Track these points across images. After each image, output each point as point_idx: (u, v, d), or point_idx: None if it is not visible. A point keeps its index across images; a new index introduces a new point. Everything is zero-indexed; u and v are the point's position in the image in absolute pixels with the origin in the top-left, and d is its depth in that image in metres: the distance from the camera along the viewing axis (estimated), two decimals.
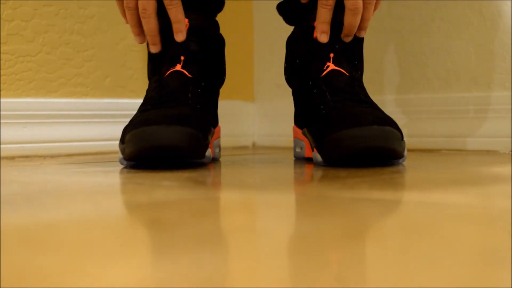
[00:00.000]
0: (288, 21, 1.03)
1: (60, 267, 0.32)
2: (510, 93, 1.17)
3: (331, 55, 0.93)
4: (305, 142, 0.96)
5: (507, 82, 1.18)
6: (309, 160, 0.95)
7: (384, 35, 1.32)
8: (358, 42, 0.95)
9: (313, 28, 0.93)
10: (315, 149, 0.88)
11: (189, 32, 0.92)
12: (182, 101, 0.88)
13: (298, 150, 1.00)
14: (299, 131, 0.98)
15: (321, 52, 0.93)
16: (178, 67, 0.92)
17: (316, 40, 0.93)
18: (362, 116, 0.83)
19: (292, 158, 1.03)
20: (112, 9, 1.23)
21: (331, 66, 0.92)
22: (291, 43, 0.98)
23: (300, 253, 0.36)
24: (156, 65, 0.93)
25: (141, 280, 0.30)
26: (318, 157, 0.87)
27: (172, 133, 0.79)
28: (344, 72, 0.92)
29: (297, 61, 0.96)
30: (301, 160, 0.99)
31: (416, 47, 1.29)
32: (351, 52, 0.94)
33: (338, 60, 0.93)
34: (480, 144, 1.20)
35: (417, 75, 1.28)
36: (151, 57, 0.94)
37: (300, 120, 0.99)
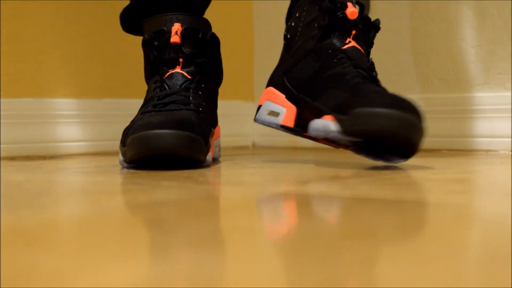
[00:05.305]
0: None
1: (60, 267, 0.32)
2: (510, 93, 1.17)
3: (353, 32, 0.90)
4: (287, 108, 0.90)
5: (507, 82, 1.18)
6: (285, 129, 0.90)
7: (384, 35, 1.32)
8: (375, 31, 0.93)
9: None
10: (326, 116, 0.82)
11: (184, 35, 0.92)
12: (184, 104, 0.88)
13: (269, 114, 0.92)
14: (281, 95, 0.92)
15: (345, 25, 0.90)
16: (178, 68, 0.92)
17: (341, 13, 0.90)
18: (404, 102, 0.79)
19: (292, 158, 1.03)
20: (112, 9, 1.23)
21: (353, 42, 0.90)
22: (311, 4, 0.92)
23: (299, 253, 0.36)
24: (154, 67, 0.93)
25: (140, 280, 0.30)
26: (331, 125, 0.80)
27: (174, 139, 0.79)
28: (364, 53, 0.90)
29: (316, 24, 0.91)
30: (267, 125, 0.92)
31: (416, 47, 1.29)
32: (368, 38, 0.92)
33: (358, 39, 0.91)
34: (480, 144, 1.20)
35: (417, 75, 1.28)
36: (148, 59, 0.94)
37: (295, 84, 0.92)
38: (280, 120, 0.90)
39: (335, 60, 0.88)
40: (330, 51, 0.90)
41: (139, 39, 0.96)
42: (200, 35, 0.93)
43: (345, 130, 0.79)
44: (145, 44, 0.94)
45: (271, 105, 0.93)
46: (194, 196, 0.59)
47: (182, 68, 0.92)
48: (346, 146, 0.84)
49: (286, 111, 0.90)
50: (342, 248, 0.37)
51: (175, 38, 0.92)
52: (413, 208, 0.52)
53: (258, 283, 0.29)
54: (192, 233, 0.41)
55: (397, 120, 0.76)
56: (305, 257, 0.34)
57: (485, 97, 1.20)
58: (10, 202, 0.57)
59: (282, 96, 0.92)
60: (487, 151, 1.18)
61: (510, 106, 1.16)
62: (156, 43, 0.93)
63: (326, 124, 0.81)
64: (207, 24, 0.96)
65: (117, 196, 0.64)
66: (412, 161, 0.94)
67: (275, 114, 0.91)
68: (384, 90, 0.84)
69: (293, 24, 0.94)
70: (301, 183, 0.77)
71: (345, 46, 0.90)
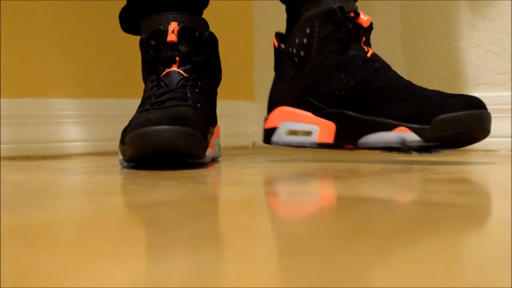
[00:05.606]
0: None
1: (60, 267, 0.32)
2: (510, 93, 1.17)
3: (363, 38, 0.94)
4: (320, 126, 0.91)
5: (507, 82, 1.18)
6: (322, 146, 0.91)
7: (384, 35, 1.32)
8: (370, 32, 0.96)
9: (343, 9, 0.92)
10: (400, 128, 0.85)
11: (180, 34, 0.92)
12: (181, 100, 0.88)
13: (290, 134, 0.92)
14: (307, 113, 0.92)
15: (359, 33, 0.93)
16: (174, 67, 0.92)
17: (355, 23, 0.93)
18: (474, 98, 0.86)
19: (292, 158, 1.03)
20: (112, 9, 1.24)
21: (370, 50, 0.93)
22: (324, 19, 0.93)
23: (299, 253, 0.36)
24: (151, 66, 0.93)
25: (140, 280, 0.30)
26: (409, 136, 0.84)
27: (173, 134, 0.79)
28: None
29: (333, 38, 0.92)
30: (303, 147, 0.93)
31: (416, 47, 1.29)
32: (369, 39, 0.95)
33: (366, 44, 0.94)
34: (480, 144, 1.20)
35: (417, 75, 1.28)
36: (145, 59, 0.94)
37: (325, 100, 0.91)
38: (315, 138, 0.91)
39: (373, 71, 0.90)
40: (360, 62, 0.91)
41: (138, 39, 0.96)
42: (197, 34, 0.93)
43: (428, 138, 0.84)
44: (142, 44, 0.94)
45: (293, 125, 0.93)
46: (194, 196, 0.59)
47: (178, 67, 0.92)
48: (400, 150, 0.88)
49: (320, 129, 0.90)
50: (342, 248, 0.37)
51: (171, 37, 0.92)
52: (413, 208, 0.52)
53: (258, 283, 0.29)
54: (192, 233, 0.41)
55: (479, 119, 0.84)
56: (305, 257, 0.34)
57: (485, 97, 1.20)
58: (10, 202, 0.57)
59: (309, 114, 0.92)
60: (487, 151, 1.18)
61: (510, 106, 1.16)
62: (153, 42, 0.93)
63: (402, 136, 0.85)
64: (204, 24, 0.96)
65: (117, 196, 0.64)
66: (412, 161, 0.94)
67: (305, 133, 0.91)
68: (443, 92, 0.89)
69: (304, 41, 0.93)
70: (301, 183, 0.77)
71: (369, 55, 0.92)
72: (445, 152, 0.88)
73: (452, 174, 0.80)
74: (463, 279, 0.30)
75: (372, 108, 0.87)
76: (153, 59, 0.93)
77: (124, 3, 1.01)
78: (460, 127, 0.84)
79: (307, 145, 0.92)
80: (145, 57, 0.94)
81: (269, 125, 0.95)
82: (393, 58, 1.31)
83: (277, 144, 0.94)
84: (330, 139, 0.90)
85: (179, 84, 0.91)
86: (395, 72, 0.92)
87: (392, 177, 0.75)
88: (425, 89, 0.89)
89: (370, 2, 1.33)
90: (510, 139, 1.16)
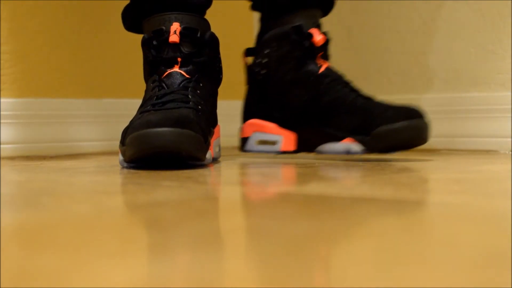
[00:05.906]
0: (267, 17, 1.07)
1: (60, 267, 0.32)
2: (510, 93, 1.17)
3: (320, 54, 1.01)
4: (284, 136, 1.01)
5: (507, 82, 1.18)
6: (285, 153, 1.02)
7: (384, 35, 1.32)
8: (328, 44, 1.04)
9: (302, 28, 1.00)
10: (345, 140, 0.95)
11: (182, 34, 0.92)
12: (183, 102, 0.88)
13: (259, 143, 1.04)
14: (272, 125, 1.03)
15: (314, 51, 1.01)
16: (176, 68, 0.92)
17: (309, 42, 1.00)
18: (411, 109, 0.93)
19: (292, 158, 1.03)
20: (113, 9, 1.24)
21: (324, 63, 1.01)
22: (280, 40, 1.02)
23: (299, 253, 0.36)
24: (153, 66, 0.93)
25: (140, 280, 0.30)
26: (353, 146, 0.94)
27: (173, 136, 0.79)
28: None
29: (290, 57, 1.01)
30: (277, 154, 1.04)
31: (416, 47, 1.29)
32: (327, 51, 1.03)
33: (323, 58, 1.02)
34: (480, 144, 1.20)
35: (417, 75, 1.28)
36: (147, 59, 0.94)
37: (286, 114, 1.02)
38: (279, 147, 1.03)
39: (323, 86, 0.99)
40: (312, 78, 1.00)
41: (139, 39, 0.96)
42: (198, 35, 0.93)
43: (368, 148, 0.94)
44: (144, 44, 0.94)
45: (262, 136, 1.04)
46: (194, 196, 0.59)
47: (180, 68, 0.92)
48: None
49: (284, 138, 1.02)
50: (342, 248, 0.37)
51: (173, 38, 0.92)
52: (413, 208, 0.52)
53: (258, 283, 0.29)
54: (192, 233, 0.41)
55: (415, 129, 0.92)
56: (305, 257, 0.34)
57: (485, 97, 1.20)
58: (10, 202, 0.57)
59: (273, 125, 1.03)
60: (487, 151, 1.18)
61: (510, 106, 1.17)
62: (155, 42, 0.93)
63: (348, 146, 0.95)
64: (206, 24, 0.96)
65: (117, 196, 0.64)
66: (412, 160, 0.94)
67: (271, 142, 1.03)
68: (384, 103, 0.96)
69: (264, 61, 1.04)
70: (301, 183, 0.77)
71: (322, 70, 1.00)
72: (399, 152, 0.96)
73: (452, 174, 0.80)
74: (463, 279, 0.30)
75: (324, 121, 0.98)
76: (155, 59, 0.93)
77: (126, 2, 1.01)
78: (397, 138, 0.92)
79: (273, 153, 1.03)
80: (147, 56, 0.94)
81: (243, 135, 1.07)
82: (393, 58, 1.31)
83: (250, 151, 1.06)
84: (292, 147, 1.01)
85: (181, 85, 0.91)
86: (347, 84, 1.00)
87: (392, 177, 0.74)
88: (370, 101, 0.97)
89: (370, 2, 1.33)
90: (510, 139, 1.16)
